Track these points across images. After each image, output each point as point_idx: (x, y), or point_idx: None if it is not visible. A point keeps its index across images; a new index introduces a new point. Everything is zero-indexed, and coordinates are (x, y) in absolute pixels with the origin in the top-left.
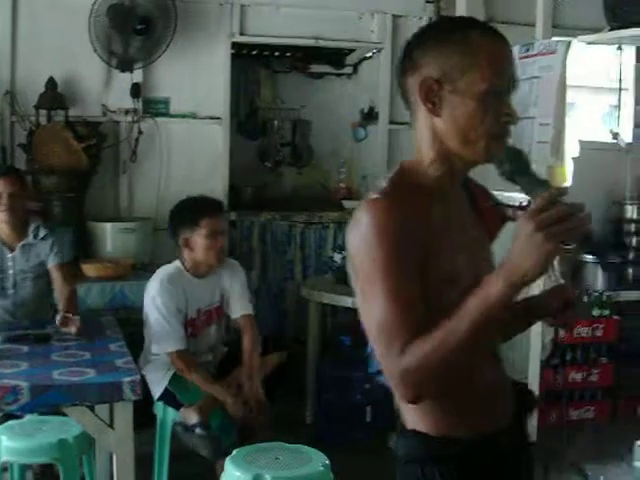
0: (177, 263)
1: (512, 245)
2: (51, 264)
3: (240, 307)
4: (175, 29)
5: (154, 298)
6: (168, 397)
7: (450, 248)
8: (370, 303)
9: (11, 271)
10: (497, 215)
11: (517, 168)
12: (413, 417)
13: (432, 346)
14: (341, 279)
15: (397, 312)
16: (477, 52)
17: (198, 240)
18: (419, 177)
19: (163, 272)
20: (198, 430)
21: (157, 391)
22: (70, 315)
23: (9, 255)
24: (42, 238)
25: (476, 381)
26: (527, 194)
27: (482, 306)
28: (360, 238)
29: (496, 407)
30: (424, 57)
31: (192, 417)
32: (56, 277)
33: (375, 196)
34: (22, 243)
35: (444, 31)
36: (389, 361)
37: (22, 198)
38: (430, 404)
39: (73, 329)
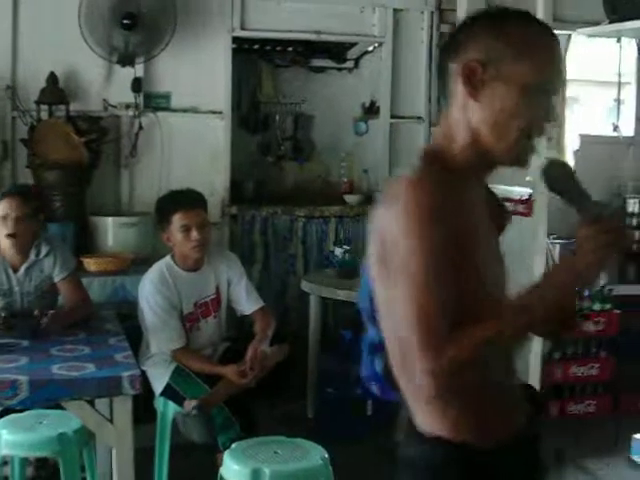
0: (168, 259)
1: (575, 245)
2: (57, 279)
3: (252, 302)
4: (176, 24)
5: (147, 299)
6: (170, 392)
7: (480, 242)
8: (405, 290)
9: (18, 295)
10: (501, 215)
11: (566, 182)
12: (430, 419)
13: (483, 334)
14: (342, 273)
15: (438, 300)
16: (533, 44)
17: (175, 235)
18: (447, 163)
19: (154, 272)
20: (194, 412)
21: (159, 387)
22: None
23: (14, 277)
24: (45, 255)
25: (494, 388)
26: (576, 207)
27: (540, 301)
28: (397, 218)
29: (512, 414)
30: (471, 40)
31: (192, 403)
32: (64, 290)
33: (413, 177)
34: (26, 265)
35: (498, 18)
36: (428, 350)
37: (29, 221)
38: (450, 407)
39: (42, 320)
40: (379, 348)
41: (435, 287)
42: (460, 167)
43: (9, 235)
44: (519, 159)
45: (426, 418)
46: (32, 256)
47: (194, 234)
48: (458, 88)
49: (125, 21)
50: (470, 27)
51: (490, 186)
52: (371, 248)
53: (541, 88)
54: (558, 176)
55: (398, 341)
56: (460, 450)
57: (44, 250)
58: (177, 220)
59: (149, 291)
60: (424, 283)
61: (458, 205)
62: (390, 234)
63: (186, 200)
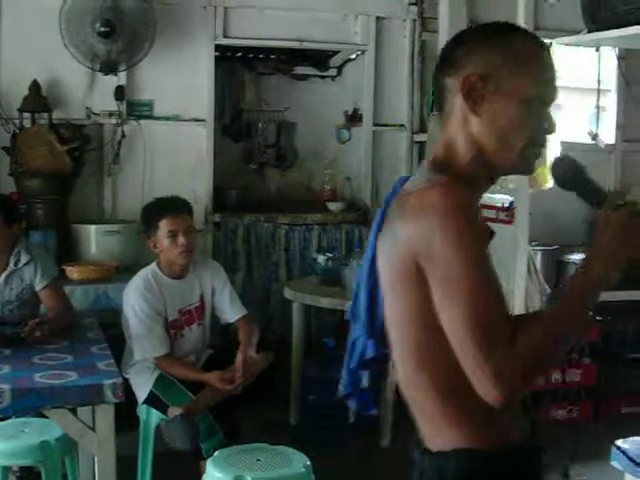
0: (153, 266)
1: (603, 235)
2: (39, 288)
3: (236, 310)
4: (155, 32)
5: (133, 306)
6: (153, 400)
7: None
8: (459, 299)
9: None
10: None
11: (578, 177)
12: (454, 434)
13: (540, 335)
14: (325, 281)
15: (495, 305)
16: (529, 57)
17: (162, 241)
18: (456, 176)
19: (139, 278)
20: (178, 418)
21: (142, 395)
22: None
23: None
24: (25, 264)
25: None
26: (589, 201)
27: (584, 290)
28: (437, 229)
29: (521, 419)
30: (469, 55)
31: (176, 410)
32: (45, 299)
33: (444, 184)
34: (5, 274)
35: (493, 32)
36: (494, 357)
37: (1, 229)
38: (474, 416)
39: (37, 333)
40: (371, 363)
41: (492, 293)
42: (469, 179)
43: None
44: (525, 168)
45: (447, 433)
46: (11, 265)
47: (181, 239)
48: (457, 103)
49: (102, 29)
50: (467, 42)
51: None
52: (386, 261)
53: (540, 99)
54: (568, 173)
55: (423, 354)
56: (489, 456)
57: (24, 259)
58: (164, 226)
59: (134, 297)
60: (481, 290)
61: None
62: (426, 245)
63: (172, 206)
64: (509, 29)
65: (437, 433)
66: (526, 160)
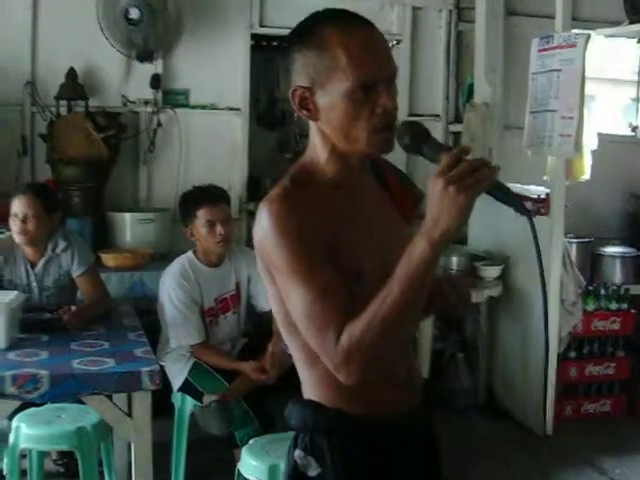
0: (190, 254)
1: (428, 205)
2: (76, 274)
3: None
4: (183, 22)
5: (169, 294)
6: (188, 388)
7: (355, 242)
8: (292, 298)
9: (36, 290)
10: (409, 195)
11: (418, 138)
12: (312, 386)
13: (367, 321)
14: None
15: (320, 300)
16: (333, 51)
17: (199, 230)
18: (317, 174)
19: (175, 266)
20: (214, 404)
21: (177, 382)
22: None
23: (32, 272)
24: (62, 250)
25: (381, 364)
26: (433, 160)
27: (408, 268)
28: (265, 239)
29: (396, 394)
30: (292, 66)
31: (212, 397)
32: (82, 285)
33: (273, 196)
34: (43, 260)
35: (302, 36)
36: (327, 348)
37: (40, 218)
38: (332, 377)
39: (66, 316)
40: None
41: (314, 291)
42: (330, 176)
43: (19, 233)
44: (381, 151)
45: (307, 384)
46: (49, 251)
47: (219, 229)
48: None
49: (131, 16)
50: (290, 51)
51: (393, 167)
52: (257, 256)
53: (361, 86)
54: (415, 134)
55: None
56: (333, 416)
57: (61, 245)
58: (202, 215)
59: (170, 285)
60: (304, 291)
61: (321, 217)
62: (265, 248)
63: (211, 195)
64: (315, 25)
65: (303, 383)
66: (377, 145)
